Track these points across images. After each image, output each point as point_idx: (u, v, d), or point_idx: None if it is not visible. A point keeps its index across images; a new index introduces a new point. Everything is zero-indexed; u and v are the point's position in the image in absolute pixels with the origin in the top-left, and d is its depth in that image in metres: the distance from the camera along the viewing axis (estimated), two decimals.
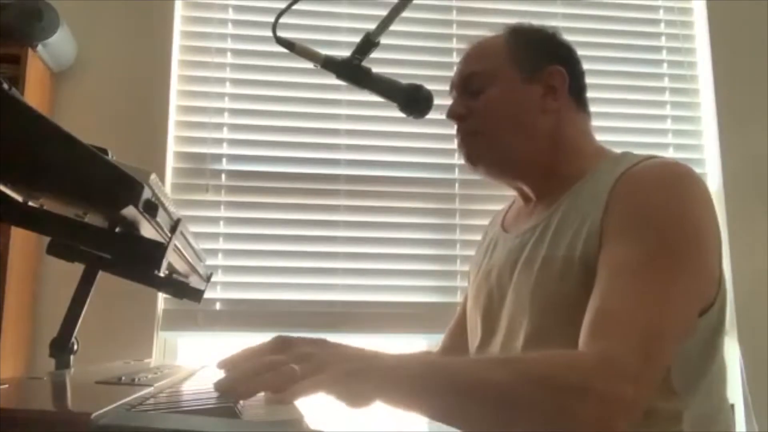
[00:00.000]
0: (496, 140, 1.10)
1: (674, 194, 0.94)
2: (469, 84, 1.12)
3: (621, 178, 0.97)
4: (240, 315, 2.08)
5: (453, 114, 1.13)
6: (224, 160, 2.19)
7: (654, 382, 0.84)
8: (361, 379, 0.74)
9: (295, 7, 1.12)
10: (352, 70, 1.13)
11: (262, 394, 0.70)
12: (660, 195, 0.94)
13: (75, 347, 0.98)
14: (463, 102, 1.12)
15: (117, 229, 0.70)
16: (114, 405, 0.54)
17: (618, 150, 1.09)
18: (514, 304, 1.04)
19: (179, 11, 2.22)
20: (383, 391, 0.75)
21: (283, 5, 1.11)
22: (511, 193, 1.21)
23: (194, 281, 1.08)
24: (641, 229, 0.92)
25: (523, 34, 1.14)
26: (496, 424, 0.80)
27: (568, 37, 1.16)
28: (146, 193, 0.63)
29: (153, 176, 0.65)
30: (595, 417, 0.79)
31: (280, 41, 1.12)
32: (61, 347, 0.96)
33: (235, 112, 2.23)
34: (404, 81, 1.14)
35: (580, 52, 1.15)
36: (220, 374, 0.83)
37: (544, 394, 0.78)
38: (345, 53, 1.13)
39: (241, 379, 0.68)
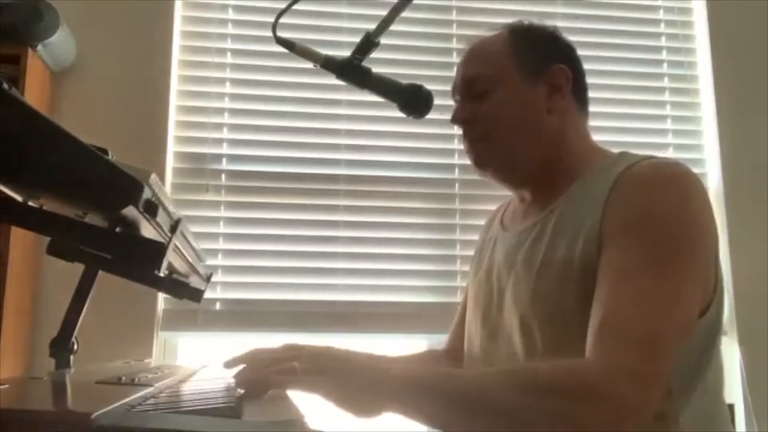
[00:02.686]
0: (505, 144, 1.08)
1: (673, 196, 0.94)
2: (472, 87, 1.10)
3: (619, 180, 0.96)
4: (240, 315, 2.08)
5: (459, 119, 1.11)
6: (224, 160, 2.19)
7: (661, 385, 0.84)
8: (365, 389, 0.75)
9: (295, 7, 1.12)
10: (352, 70, 1.13)
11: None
12: (659, 197, 0.94)
13: (75, 347, 0.98)
14: (468, 106, 1.11)
15: (117, 229, 0.70)
16: (114, 405, 0.54)
17: (617, 150, 1.09)
18: (513, 306, 1.04)
19: (179, 11, 2.22)
20: (388, 402, 0.76)
21: (283, 5, 1.11)
22: (511, 193, 1.21)
23: (194, 281, 1.08)
24: (641, 233, 0.91)
25: (525, 33, 1.12)
26: None
27: (568, 37, 1.16)
28: (146, 193, 0.63)
29: (153, 176, 0.65)
30: (604, 423, 0.79)
31: (280, 41, 1.11)
32: (61, 347, 0.96)
33: (235, 112, 2.23)
34: (404, 81, 1.13)
35: (581, 52, 1.15)
36: (220, 374, 0.84)
37: (552, 405, 0.79)
38: (345, 53, 1.13)
39: (249, 371, 0.71)
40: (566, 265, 0.96)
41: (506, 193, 1.22)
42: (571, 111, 1.10)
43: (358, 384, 0.75)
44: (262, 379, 0.72)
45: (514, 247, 1.07)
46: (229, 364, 0.84)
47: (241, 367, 0.83)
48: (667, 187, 0.95)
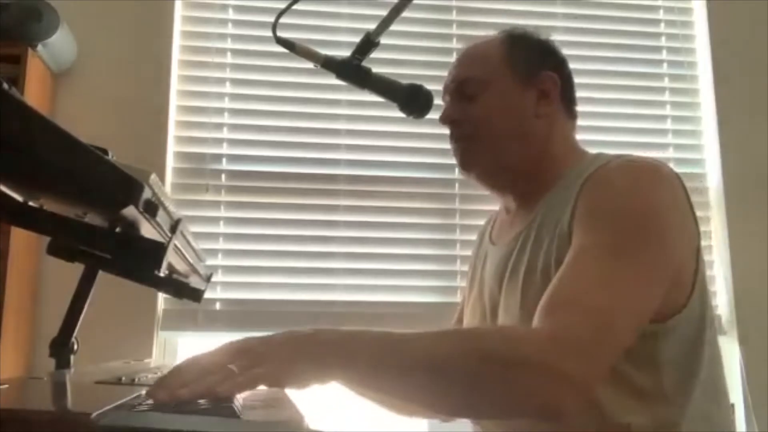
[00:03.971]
0: (492, 146, 1.10)
1: (635, 187, 0.95)
2: (463, 89, 1.12)
3: (588, 180, 0.98)
4: (240, 315, 2.08)
5: (448, 119, 1.13)
6: (224, 160, 2.19)
7: (606, 362, 0.84)
8: (305, 362, 0.75)
9: (295, 7, 1.12)
10: (352, 70, 1.13)
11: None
12: (626, 190, 0.95)
13: (75, 347, 0.98)
14: (457, 107, 1.12)
15: (117, 229, 0.70)
16: (114, 405, 0.54)
17: (615, 151, 1.09)
18: (505, 319, 1.05)
19: (179, 11, 2.22)
20: (328, 370, 0.76)
21: (283, 5, 1.11)
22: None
23: (194, 281, 1.08)
24: (602, 220, 0.93)
25: (518, 39, 1.14)
26: (445, 397, 0.81)
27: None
28: (146, 193, 0.63)
29: (153, 176, 0.65)
30: (543, 391, 0.79)
31: (280, 41, 1.12)
32: (61, 347, 0.96)
33: (235, 112, 2.23)
34: (404, 81, 1.14)
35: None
36: None
37: (492, 368, 0.79)
38: (345, 53, 1.13)
39: (179, 384, 0.66)
40: (547, 272, 0.97)
41: None
42: (558, 118, 1.12)
43: (294, 359, 0.75)
44: (189, 396, 0.65)
45: (503, 260, 1.08)
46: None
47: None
48: (635, 181, 0.96)
